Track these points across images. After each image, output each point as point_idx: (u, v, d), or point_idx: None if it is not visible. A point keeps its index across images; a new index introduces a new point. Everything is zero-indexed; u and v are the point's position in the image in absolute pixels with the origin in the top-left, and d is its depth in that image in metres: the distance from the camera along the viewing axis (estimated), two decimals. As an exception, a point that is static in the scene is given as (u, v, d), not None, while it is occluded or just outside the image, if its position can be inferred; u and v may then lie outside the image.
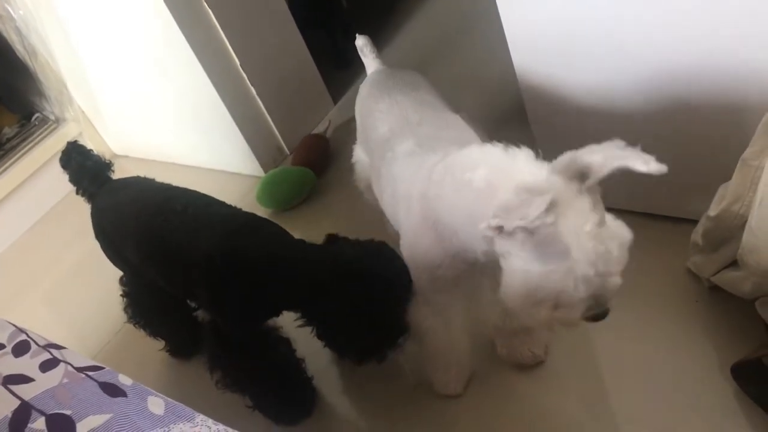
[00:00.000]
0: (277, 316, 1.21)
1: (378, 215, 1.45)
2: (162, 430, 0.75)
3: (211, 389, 1.23)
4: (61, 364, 0.85)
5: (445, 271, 0.99)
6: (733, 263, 1.07)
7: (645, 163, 0.74)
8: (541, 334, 1.19)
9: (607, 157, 0.76)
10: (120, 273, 1.45)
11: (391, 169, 1.08)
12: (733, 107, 1.05)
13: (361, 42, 1.40)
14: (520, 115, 1.38)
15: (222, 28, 1.84)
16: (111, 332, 1.71)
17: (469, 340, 1.17)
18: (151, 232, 1.22)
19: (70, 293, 2.00)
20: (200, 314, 1.47)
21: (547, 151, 1.36)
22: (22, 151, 2.41)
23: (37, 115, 2.51)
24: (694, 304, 1.19)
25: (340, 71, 2.37)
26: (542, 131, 1.35)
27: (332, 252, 1.13)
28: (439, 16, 2.53)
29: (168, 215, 1.21)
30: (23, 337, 0.91)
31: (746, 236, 0.97)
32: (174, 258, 1.20)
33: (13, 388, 0.80)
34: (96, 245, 1.40)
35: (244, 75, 1.94)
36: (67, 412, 0.76)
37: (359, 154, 1.40)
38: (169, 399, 0.81)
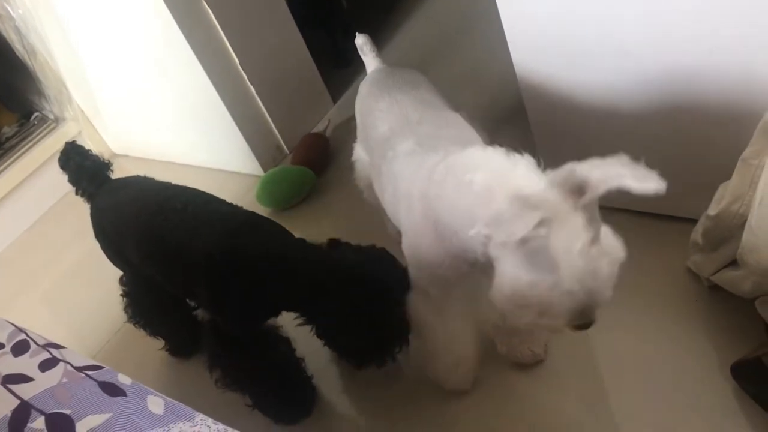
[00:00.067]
0: (277, 316, 1.21)
1: (378, 214, 1.45)
2: (162, 429, 0.75)
3: (210, 388, 1.23)
4: (61, 363, 0.85)
5: (446, 271, 0.99)
6: (733, 262, 1.07)
7: (641, 182, 0.73)
8: (541, 334, 1.19)
9: (606, 175, 0.75)
10: (120, 273, 1.45)
11: (392, 168, 1.08)
12: (733, 106, 1.05)
13: (361, 41, 1.40)
14: (519, 115, 1.38)
15: (221, 28, 1.84)
16: (110, 332, 1.71)
17: (472, 335, 1.16)
18: (151, 231, 1.22)
19: (70, 293, 2.00)
20: (200, 314, 1.47)
21: (546, 151, 1.37)
22: (22, 151, 2.41)
23: (36, 114, 2.51)
24: (694, 303, 1.19)
25: (339, 70, 2.37)
26: (542, 130, 1.35)
27: (333, 254, 1.13)
28: (438, 15, 2.53)
29: (168, 214, 1.21)
30: (22, 336, 0.91)
31: (746, 235, 0.97)
32: (174, 257, 1.20)
33: (12, 387, 0.80)
34: (95, 245, 1.40)
35: (244, 74, 1.94)
36: (67, 412, 0.76)
37: (359, 153, 1.40)
38: (168, 398, 0.81)
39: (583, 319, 0.82)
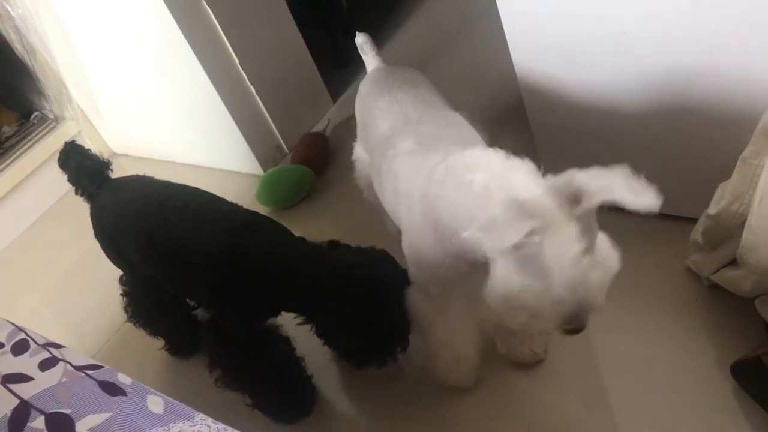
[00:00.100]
0: (277, 316, 1.21)
1: (378, 213, 1.45)
2: (161, 428, 0.75)
3: (210, 388, 1.23)
4: (61, 362, 0.85)
5: (446, 270, 0.99)
6: (733, 262, 1.07)
7: (636, 197, 0.73)
8: (540, 334, 1.19)
9: (602, 186, 0.75)
10: (119, 272, 1.45)
11: (392, 167, 1.08)
12: (732, 106, 1.05)
13: (361, 40, 1.40)
14: (519, 114, 1.38)
15: (221, 27, 1.84)
16: (110, 331, 1.71)
17: (473, 334, 1.16)
18: (151, 230, 1.22)
19: (70, 292, 2.00)
20: (200, 313, 1.47)
21: (546, 150, 1.37)
22: (21, 150, 2.41)
23: (36, 113, 2.51)
24: (694, 302, 1.19)
25: (339, 70, 2.37)
26: (541, 130, 1.35)
27: (333, 254, 1.13)
28: (438, 14, 2.53)
29: (168, 213, 1.21)
30: (22, 335, 0.91)
31: (746, 235, 0.97)
32: (174, 256, 1.20)
33: (12, 386, 0.80)
34: (95, 244, 1.40)
35: (244, 74, 1.94)
36: (67, 411, 0.76)
37: (359, 152, 1.40)
38: (168, 398, 0.81)
39: (573, 324, 0.83)
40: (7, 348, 0.88)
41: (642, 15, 1.02)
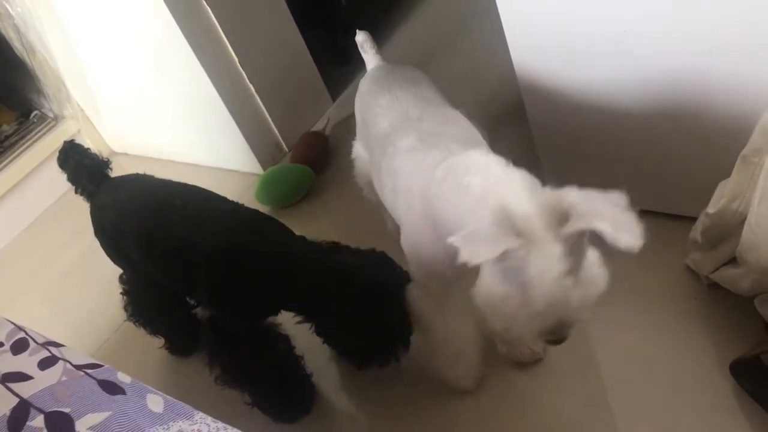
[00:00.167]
0: (276, 315, 1.21)
1: (377, 212, 1.45)
2: (161, 427, 0.75)
3: (210, 387, 1.23)
4: (60, 361, 0.84)
5: (444, 267, 0.99)
6: (732, 260, 1.07)
7: (616, 232, 0.72)
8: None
9: (588, 213, 0.75)
10: (119, 271, 1.45)
11: (392, 164, 1.08)
12: (732, 105, 1.05)
13: (361, 38, 1.40)
14: (519, 113, 1.38)
15: (220, 26, 1.84)
16: (110, 330, 1.71)
17: (473, 332, 1.16)
18: (150, 229, 1.22)
19: (69, 291, 2.00)
20: (199, 312, 1.47)
21: (545, 149, 1.37)
22: (21, 149, 2.41)
23: (35, 112, 2.51)
24: (693, 301, 1.19)
25: (339, 68, 2.36)
26: (541, 129, 1.35)
27: (333, 255, 1.13)
28: (438, 13, 2.53)
29: (168, 211, 1.21)
30: (22, 334, 0.91)
31: (745, 233, 0.97)
32: (174, 254, 1.20)
33: (11, 386, 0.80)
34: (95, 243, 1.40)
35: (243, 72, 1.94)
36: (66, 410, 0.76)
37: (359, 150, 1.40)
38: (168, 397, 0.81)
39: (552, 336, 0.84)
40: (7, 347, 0.88)
41: (642, 15, 1.02)
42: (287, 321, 1.21)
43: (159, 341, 1.52)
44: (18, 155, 2.39)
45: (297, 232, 1.19)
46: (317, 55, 2.17)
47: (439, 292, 1.07)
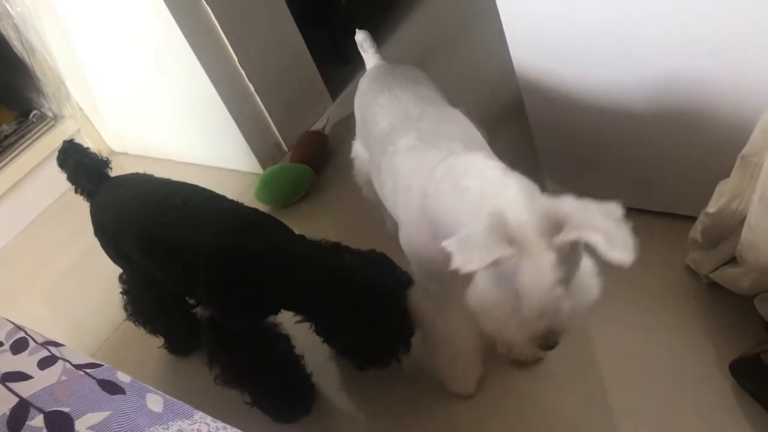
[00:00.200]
0: (276, 314, 1.21)
1: (377, 211, 1.45)
2: (161, 427, 0.75)
3: (209, 386, 1.23)
4: (60, 361, 0.84)
5: (442, 267, 0.99)
6: (732, 260, 1.07)
7: (609, 247, 0.72)
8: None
9: (582, 224, 0.75)
10: (119, 270, 1.45)
11: (392, 162, 1.08)
12: (732, 104, 1.05)
13: (360, 37, 1.40)
14: (518, 112, 1.38)
15: (220, 25, 1.84)
16: (109, 329, 1.71)
17: (472, 332, 1.16)
18: (151, 228, 1.22)
19: (69, 291, 2.00)
20: (199, 311, 1.47)
21: (545, 148, 1.37)
22: (20, 148, 2.41)
23: (34, 112, 2.51)
24: (693, 300, 1.19)
25: (338, 68, 2.36)
26: (541, 128, 1.34)
27: (333, 253, 1.13)
28: (438, 13, 2.53)
29: (168, 210, 1.21)
30: (21, 334, 0.91)
31: (745, 233, 0.97)
32: (174, 254, 1.20)
33: (11, 385, 0.80)
34: (95, 242, 1.39)
35: (243, 72, 1.93)
36: (66, 410, 0.76)
37: (358, 150, 1.40)
38: (167, 396, 0.81)
39: (544, 341, 0.84)
40: (6, 346, 0.88)
41: (642, 15, 1.02)
42: (287, 321, 1.21)
43: (159, 341, 1.52)
44: (17, 155, 2.39)
45: (297, 232, 1.19)
46: (317, 55, 2.17)
47: (439, 294, 1.07)
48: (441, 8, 2.54)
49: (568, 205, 0.77)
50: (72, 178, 1.38)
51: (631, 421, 1.08)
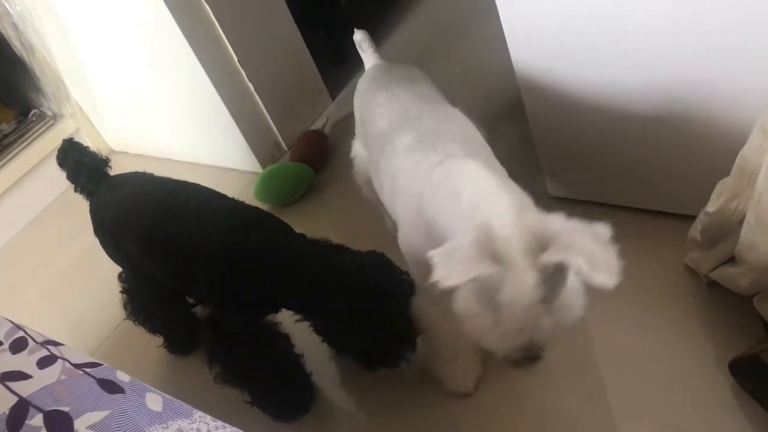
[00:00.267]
0: (276, 312, 1.21)
1: (377, 211, 1.45)
2: (160, 426, 0.75)
3: (209, 386, 1.23)
4: (59, 360, 0.84)
5: None
6: (731, 259, 1.07)
7: (592, 270, 0.72)
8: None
9: (567, 247, 0.75)
10: (118, 269, 1.45)
11: (391, 163, 1.08)
12: (731, 103, 1.05)
13: (359, 37, 1.40)
14: (518, 111, 1.38)
15: (219, 24, 1.84)
16: (109, 329, 1.71)
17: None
18: (151, 227, 1.22)
19: (68, 290, 2.00)
20: (199, 310, 1.47)
21: (544, 147, 1.37)
22: (20, 148, 2.40)
23: (34, 111, 2.51)
24: (692, 299, 1.19)
25: (338, 67, 2.36)
26: (540, 127, 1.34)
27: (332, 252, 1.13)
28: (437, 12, 2.53)
29: (168, 209, 1.21)
30: (21, 333, 0.91)
31: (744, 232, 0.97)
32: (175, 252, 1.20)
33: (10, 384, 0.80)
34: (94, 242, 1.39)
35: (242, 71, 1.93)
36: (65, 409, 0.76)
37: (358, 149, 1.40)
38: (167, 395, 0.81)
39: (524, 354, 0.85)
40: (6, 346, 0.88)
41: (642, 15, 1.02)
42: (287, 320, 1.21)
43: (158, 340, 1.52)
44: (17, 154, 2.39)
45: (296, 231, 1.19)
46: (316, 54, 2.17)
47: (440, 296, 1.07)
48: (440, 8, 2.54)
49: (556, 224, 0.78)
50: (71, 177, 1.38)
51: (631, 420, 1.08)
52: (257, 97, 1.99)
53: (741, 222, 0.99)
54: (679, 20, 0.99)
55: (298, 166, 1.89)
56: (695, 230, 1.15)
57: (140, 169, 1.40)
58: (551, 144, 1.36)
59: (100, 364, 0.85)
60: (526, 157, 1.47)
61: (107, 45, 2.06)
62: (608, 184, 1.33)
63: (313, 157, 1.95)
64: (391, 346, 1.14)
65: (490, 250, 0.77)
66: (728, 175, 1.02)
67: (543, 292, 0.77)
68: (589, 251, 0.74)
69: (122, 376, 0.83)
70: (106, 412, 0.75)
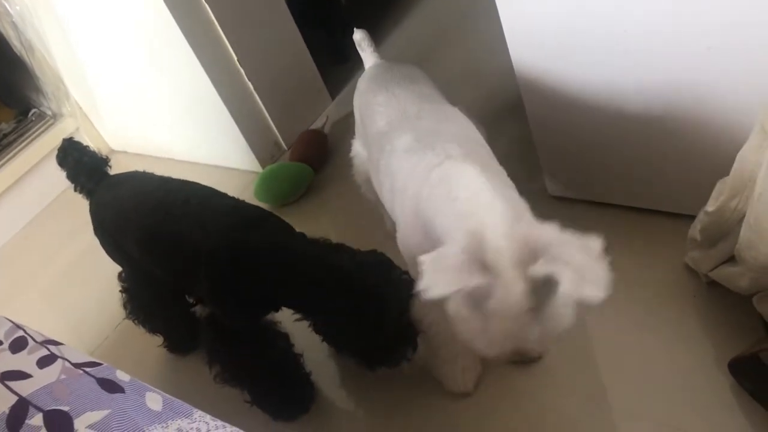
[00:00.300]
0: (277, 311, 1.21)
1: (376, 210, 1.45)
2: (160, 425, 0.75)
3: (209, 385, 1.23)
4: (59, 360, 0.84)
5: None
6: (731, 259, 1.07)
7: (577, 285, 0.72)
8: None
9: (556, 259, 0.75)
10: (118, 269, 1.45)
11: (390, 163, 1.08)
12: (731, 103, 1.05)
13: (359, 36, 1.40)
14: (517, 111, 1.38)
15: (219, 24, 1.84)
16: (109, 328, 1.71)
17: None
18: (152, 226, 1.22)
19: (68, 289, 2.00)
20: (198, 310, 1.47)
21: (544, 147, 1.37)
22: (19, 147, 2.41)
23: (34, 110, 2.51)
24: (692, 299, 1.19)
25: (338, 66, 2.36)
26: (540, 126, 1.34)
27: (332, 252, 1.13)
28: (437, 11, 2.53)
29: (169, 208, 1.21)
30: (20, 333, 0.91)
31: (744, 232, 0.97)
32: (175, 251, 1.20)
33: (10, 384, 0.80)
34: (94, 241, 1.39)
35: (242, 70, 1.93)
36: (65, 408, 0.76)
37: (357, 149, 1.40)
38: (167, 395, 0.81)
39: (512, 358, 0.86)
40: (6, 345, 0.88)
41: (642, 14, 1.02)
42: (286, 319, 1.21)
43: (158, 339, 1.52)
44: (16, 153, 2.39)
45: (296, 230, 1.19)
46: (316, 54, 2.17)
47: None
48: (440, 7, 2.54)
49: (549, 235, 0.78)
50: (71, 177, 1.38)
51: (631, 420, 1.08)
52: (257, 97, 1.99)
53: (740, 221, 0.99)
54: (679, 20, 0.99)
55: (298, 166, 1.89)
56: (695, 230, 1.15)
57: (140, 169, 1.40)
58: (551, 144, 1.36)
59: (100, 364, 0.85)
60: (525, 157, 1.47)
61: (107, 45, 2.06)
62: (608, 184, 1.33)
63: (312, 156, 1.95)
64: (392, 346, 1.14)
65: (479, 258, 0.77)
66: (728, 175, 1.02)
67: (531, 302, 0.77)
68: (579, 264, 0.74)
69: (122, 376, 0.83)
70: (106, 412, 0.75)
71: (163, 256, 1.24)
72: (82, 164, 1.37)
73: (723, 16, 0.95)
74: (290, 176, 1.88)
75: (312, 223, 1.78)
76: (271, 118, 2.05)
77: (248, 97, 1.98)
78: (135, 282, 1.44)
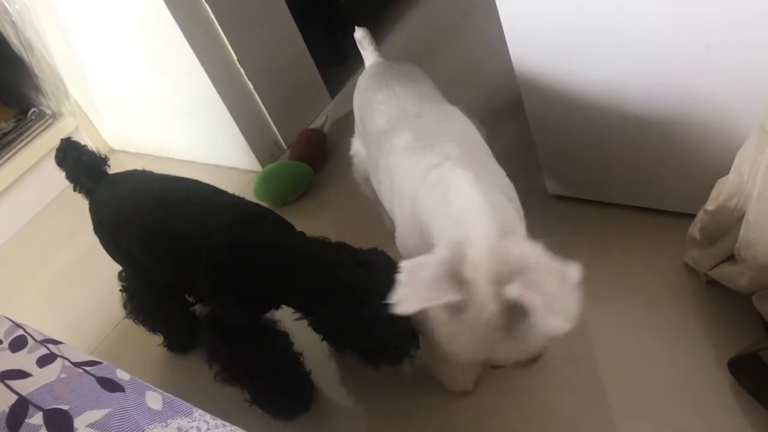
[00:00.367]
0: (277, 308, 1.21)
1: (376, 209, 1.45)
2: (160, 424, 0.75)
3: (208, 384, 1.23)
4: (59, 359, 0.84)
5: None
6: (731, 258, 1.07)
7: (545, 315, 0.73)
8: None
9: (528, 284, 0.75)
10: (118, 268, 1.45)
11: (389, 162, 1.08)
12: (731, 102, 1.05)
13: (359, 34, 1.39)
14: (517, 110, 1.38)
15: (219, 23, 1.84)
16: (109, 327, 1.71)
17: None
18: (151, 224, 1.22)
19: (68, 288, 2.00)
20: (198, 309, 1.47)
21: (544, 146, 1.37)
22: (19, 146, 2.40)
23: (33, 109, 2.51)
24: (692, 298, 1.19)
25: (337, 65, 2.36)
26: (539, 126, 1.34)
27: (332, 250, 1.13)
28: (437, 10, 2.53)
29: (169, 206, 1.21)
30: (20, 332, 0.91)
31: (743, 231, 0.97)
32: (176, 249, 1.20)
33: (10, 383, 0.80)
34: (94, 240, 1.39)
35: (242, 70, 1.93)
36: (65, 407, 0.76)
37: (357, 147, 1.40)
38: (167, 394, 0.81)
39: (487, 366, 0.87)
40: (5, 344, 0.88)
41: (642, 14, 1.02)
42: (286, 317, 1.21)
43: (158, 338, 1.52)
44: (16, 152, 2.39)
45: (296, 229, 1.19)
46: (316, 53, 2.17)
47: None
48: (440, 6, 2.54)
49: (530, 256, 0.78)
50: (71, 176, 1.38)
51: (631, 419, 1.08)
52: (257, 96, 1.99)
53: (740, 220, 0.99)
54: (679, 20, 1.00)
55: (298, 165, 1.89)
56: (694, 229, 1.15)
57: (139, 168, 1.40)
58: (551, 143, 1.36)
59: (100, 363, 0.85)
60: (525, 156, 1.47)
61: (107, 44, 2.06)
62: (607, 183, 1.33)
63: (312, 155, 1.95)
64: (393, 344, 1.14)
65: (456, 272, 0.78)
66: (727, 174, 1.02)
67: (503, 320, 0.78)
68: (550, 293, 0.74)
69: (122, 375, 0.83)
70: (106, 411, 0.75)
71: (163, 254, 1.24)
72: (81, 164, 1.36)
73: (723, 16, 0.96)
74: (290, 175, 1.88)
75: (312, 222, 1.78)
76: (271, 118, 2.05)
77: (248, 97, 1.98)
78: (135, 281, 1.44)
